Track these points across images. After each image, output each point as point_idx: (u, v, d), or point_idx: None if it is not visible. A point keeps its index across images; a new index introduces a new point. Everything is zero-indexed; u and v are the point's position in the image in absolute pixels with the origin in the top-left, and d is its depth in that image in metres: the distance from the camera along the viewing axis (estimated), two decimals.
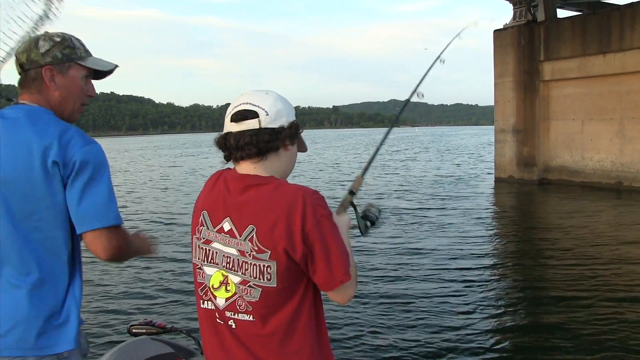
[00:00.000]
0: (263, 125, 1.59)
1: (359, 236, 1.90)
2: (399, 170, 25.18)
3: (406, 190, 16.84)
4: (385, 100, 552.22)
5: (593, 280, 6.93)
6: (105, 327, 5.63)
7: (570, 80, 16.74)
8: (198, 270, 1.66)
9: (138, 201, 16.42)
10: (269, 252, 1.51)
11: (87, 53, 1.93)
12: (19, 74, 1.86)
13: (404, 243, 9.28)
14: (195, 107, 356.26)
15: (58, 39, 1.86)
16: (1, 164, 1.70)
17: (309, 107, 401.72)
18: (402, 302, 6.24)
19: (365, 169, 1.98)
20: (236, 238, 1.56)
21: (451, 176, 21.47)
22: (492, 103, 19.31)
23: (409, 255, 8.42)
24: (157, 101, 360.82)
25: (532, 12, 17.82)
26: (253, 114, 1.59)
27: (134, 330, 2.35)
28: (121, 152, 58.12)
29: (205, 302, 1.64)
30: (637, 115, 15.26)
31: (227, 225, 1.58)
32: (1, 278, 1.72)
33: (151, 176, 26.24)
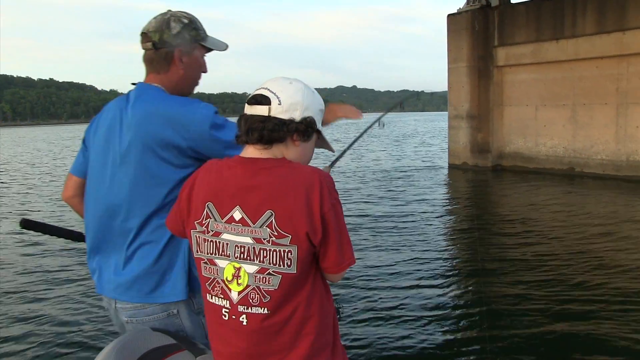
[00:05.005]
0: (272, 113, 1.57)
1: None
2: (347, 162, 24.81)
3: (358, 181, 16.45)
4: (333, 87, 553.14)
5: (547, 265, 7.01)
6: (107, 317, 5.31)
7: (524, 65, 16.66)
8: (204, 264, 1.62)
9: None
10: (290, 236, 1.49)
11: (206, 33, 2.12)
12: (147, 49, 2.02)
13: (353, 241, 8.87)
14: None
15: (186, 21, 2.04)
16: (122, 140, 1.93)
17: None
18: (354, 301, 5.86)
19: (335, 161, 2.15)
20: (249, 226, 1.52)
21: (402, 163, 21.24)
22: (438, 89, 19.17)
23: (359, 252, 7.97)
24: (99, 88, 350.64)
25: None
26: (266, 100, 1.58)
27: None
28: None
29: (214, 296, 1.61)
30: (588, 101, 15.33)
31: (237, 214, 1.54)
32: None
33: None
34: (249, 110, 1.60)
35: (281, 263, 1.51)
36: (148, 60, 2.04)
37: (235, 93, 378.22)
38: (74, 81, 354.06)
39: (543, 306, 5.53)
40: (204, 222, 1.60)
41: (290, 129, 1.59)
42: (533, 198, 12.77)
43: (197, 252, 1.64)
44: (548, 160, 16.45)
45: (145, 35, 2.02)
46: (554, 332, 4.95)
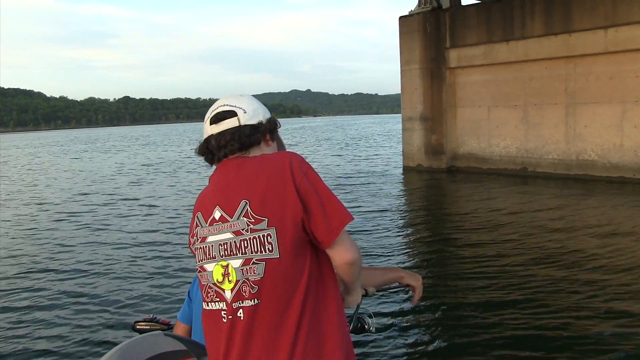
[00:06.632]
0: (242, 122, 1.66)
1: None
2: None
3: None
4: (287, 91, 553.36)
5: (502, 262, 7.23)
6: (111, 323, 5.68)
7: (476, 67, 16.80)
8: (199, 273, 1.65)
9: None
10: (266, 219, 1.51)
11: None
12: None
13: None
14: (91, 101, 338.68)
15: None
16: None
17: (209, 99, 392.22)
18: None
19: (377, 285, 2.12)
20: (228, 221, 1.56)
21: (358, 168, 21.15)
22: (391, 92, 19.26)
23: None
24: (48, 95, 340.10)
25: None
26: (232, 114, 1.67)
27: (137, 327, 2.49)
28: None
29: (210, 303, 1.62)
30: (539, 101, 15.55)
31: (217, 214, 1.59)
32: None
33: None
34: (215, 128, 1.67)
35: (262, 249, 1.51)
36: None
37: (189, 98, 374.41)
38: (21, 87, 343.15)
39: (501, 306, 5.60)
40: (194, 231, 1.66)
41: (264, 130, 1.70)
42: (488, 199, 12.85)
43: (196, 263, 1.68)
44: (501, 160, 16.60)
45: None
46: (508, 325, 5.01)
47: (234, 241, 1.55)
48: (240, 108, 1.68)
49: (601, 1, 13.76)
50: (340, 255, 1.58)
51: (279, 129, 1.80)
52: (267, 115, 1.74)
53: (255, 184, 1.54)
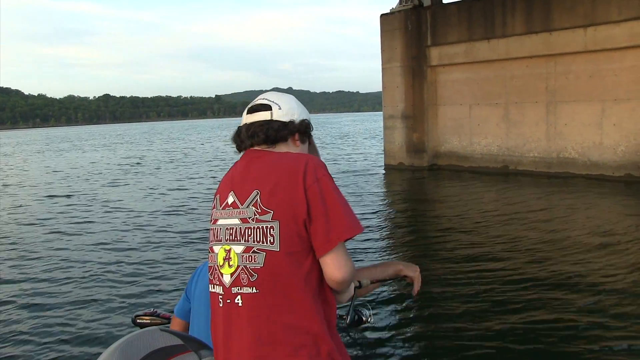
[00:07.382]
0: (274, 117, 1.74)
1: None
2: None
3: None
4: (268, 89, 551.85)
5: (485, 262, 7.21)
6: (111, 317, 5.63)
7: (457, 65, 16.81)
8: (209, 254, 1.70)
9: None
10: (272, 212, 1.54)
11: None
12: None
13: None
14: (70, 99, 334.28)
15: None
16: None
17: (191, 96, 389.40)
18: None
19: (377, 280, 2.13)
20: (238, 208, 1.61)
21: (339, 168, 21.06)
22: (373, 90, 19.15)
23: None
24: (26, 92, 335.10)
25: None
26: (266, 107, 1.76)
27: (138, 321, 2.53)
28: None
29: (214, 285, 1.65)
30: (520, 100, 15.60)
31: (230, 199, 1.64)
32: None
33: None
34: (250, 118, 1.76)
35: (264, 240, 1.54)
36: None
37: (170, 96, 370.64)
38: None
39: (484, 303, 5.56)
40: (211, 212, 1.73)
41: (292, 129, 1.75)
42: (469, 197, 12.83)
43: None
44: (483, 158, 16.63)
45: None
46: (490, 325, 4.98)
47: (240, 228, 1.59)
48: (276, 104, 1.75)
49: (580, 0, 13.83)
50: (330, 271, 1.57)
51: (312, 136, 1.86)
52: (303, 116, 1.80)
53: (269, 176, 1.59)
